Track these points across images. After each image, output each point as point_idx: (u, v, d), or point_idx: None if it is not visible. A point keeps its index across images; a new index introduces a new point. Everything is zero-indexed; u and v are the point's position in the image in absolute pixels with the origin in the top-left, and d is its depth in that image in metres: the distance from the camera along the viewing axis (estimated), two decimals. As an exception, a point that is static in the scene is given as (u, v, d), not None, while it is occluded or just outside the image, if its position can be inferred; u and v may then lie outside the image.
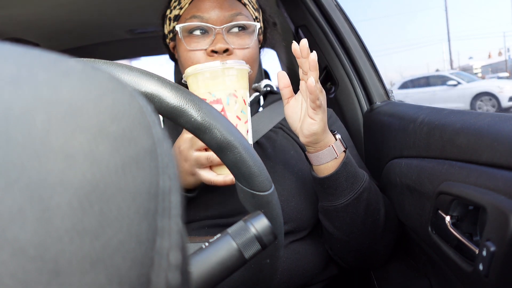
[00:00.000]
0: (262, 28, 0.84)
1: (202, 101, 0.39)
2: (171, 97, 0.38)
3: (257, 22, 0.79)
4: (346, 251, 0.73)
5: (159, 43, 0.89)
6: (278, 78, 0.65)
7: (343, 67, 1.02)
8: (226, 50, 0.72)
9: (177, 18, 0.77)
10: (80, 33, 1.38)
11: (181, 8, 0.76)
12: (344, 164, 0.66)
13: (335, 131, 0.68)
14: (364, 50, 1.00)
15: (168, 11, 0.80)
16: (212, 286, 0.34)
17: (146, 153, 0.15)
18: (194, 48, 0.74)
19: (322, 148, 0.65)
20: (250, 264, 0.45)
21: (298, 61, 0.61)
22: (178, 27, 0.74)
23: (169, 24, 0.80)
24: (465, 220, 0.51)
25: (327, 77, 1.13)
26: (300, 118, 0.65)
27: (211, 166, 0.63)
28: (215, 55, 0.72)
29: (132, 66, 0.39)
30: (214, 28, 0.72)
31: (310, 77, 0.58)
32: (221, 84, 0.60)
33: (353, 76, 1.01)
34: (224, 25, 0.73)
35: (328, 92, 1.16)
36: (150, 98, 0.37)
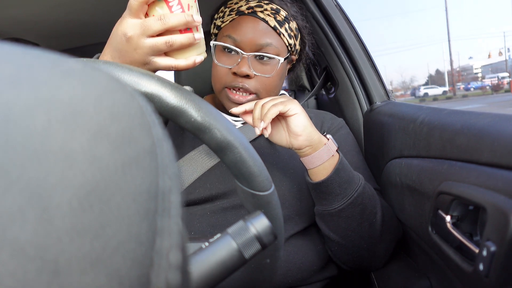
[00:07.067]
0: (298, 50, 0.87)
1: (202, 101, 0.39)
2: (171, 97, 0.38)
3: (290, 49, 0.83)
4: (344, 254, 0.74)
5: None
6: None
7: (343, 67, 1.02)
8: (247, 76, 0.77)
9: (218, 28, 0.83)
10: (80, 33, 1.37)
11: (222, 22, 0.81)
12: (337, 171, 0.68)
13: (324, 133, 0.71)
14: (364, 50, 1.00)
15: (216, 15, 0.85)
16: (212, 286, 0.34)
17: (146, 153, 0.15)
18: (221, 64, 0.78)
19: (317, 149, 0.68)
20: (250, 264, 0.45)
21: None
22: (212, 43, 0.80)
23: (214, 28, 0.85)
24: (465, 220, 0.51)
25: (327, 77, 1.13)
26: (285, 136, 0.69)
27: (166, 52, 0.57)
28: (236, 76, 0.77)
29: (132, 66, 0.39)
30: (241, 53, 0.77)
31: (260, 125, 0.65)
32: None
33: (353, 76, 1.01)
34: (251, 53, 0.77)
35: (328, 92, 1.16)
36: (150, 98, 0.37)
